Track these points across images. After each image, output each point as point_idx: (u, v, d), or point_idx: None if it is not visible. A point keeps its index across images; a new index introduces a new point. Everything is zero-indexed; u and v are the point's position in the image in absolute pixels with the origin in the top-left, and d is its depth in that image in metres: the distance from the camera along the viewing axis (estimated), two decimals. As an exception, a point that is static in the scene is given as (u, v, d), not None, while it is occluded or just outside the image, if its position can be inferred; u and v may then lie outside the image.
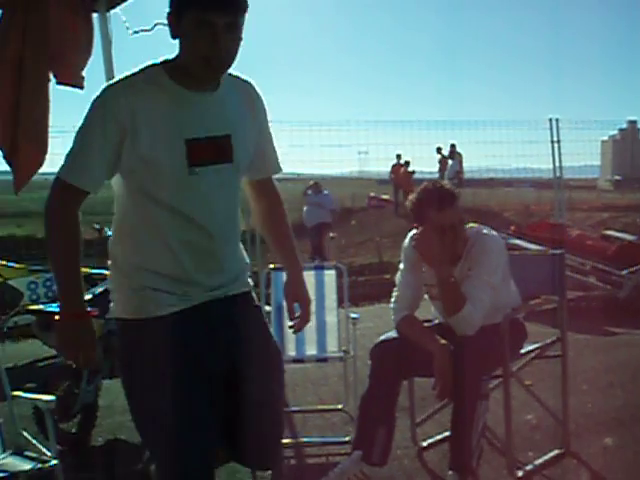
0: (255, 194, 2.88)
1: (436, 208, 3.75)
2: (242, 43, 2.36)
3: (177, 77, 2.40)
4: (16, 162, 4.02)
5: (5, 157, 4.04)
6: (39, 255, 11.85)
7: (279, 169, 2.86)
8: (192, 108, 2.42)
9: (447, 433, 4.16)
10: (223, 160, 2.48)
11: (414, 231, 3.99)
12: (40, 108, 3.98)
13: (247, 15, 2.35)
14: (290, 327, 3.03)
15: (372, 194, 26.06)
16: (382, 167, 25.48)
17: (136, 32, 4.05)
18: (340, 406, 5.35)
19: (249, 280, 2.82)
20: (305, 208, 15.15)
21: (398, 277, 4.10)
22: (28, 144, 3.99)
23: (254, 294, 2.85)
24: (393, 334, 4.03)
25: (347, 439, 4.71)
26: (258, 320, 2.86)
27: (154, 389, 2.50)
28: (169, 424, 2.45)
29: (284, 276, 5.34)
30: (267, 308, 5.81)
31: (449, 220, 3.78)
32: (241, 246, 2.78)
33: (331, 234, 14.70)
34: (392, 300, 4.07)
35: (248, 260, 2.83)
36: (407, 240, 4.05)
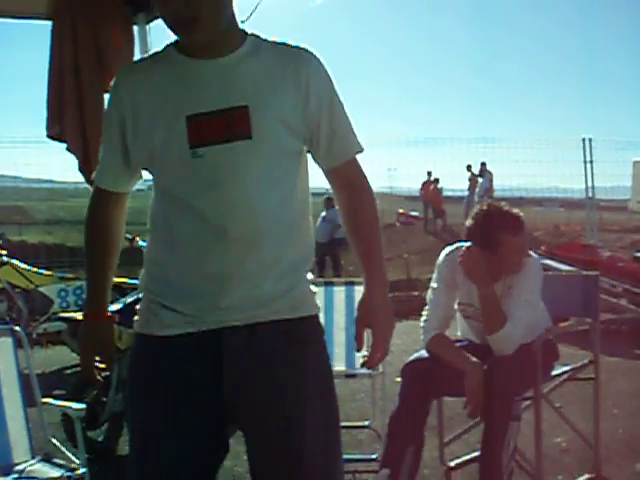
0: (334, 187, 2.29)
1: (510, 233, 3.75)
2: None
3: (184, 47, 2.05)
4: (88, 175, 4.11)
5: (79, 168, 4.17)
6: (70, 263, 12.01)
7: (359, 148, 2.21)
8: (198, 79, 2.01)
9: (475, 454, 4.11)
10: (237, 137, 1.96)
11: (449, 248, 3.96)
12: (101, 123, 4.06)
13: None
14: (362, 364, 2.29)
15: (401, 210, 26.02)
16: (412, 184, 25.46)
17: None
18: (367, 423, 5.31)
19: (309, 308, 2.18)
20: (319, 224, 14.98)
21: (429, 295, 4.05)
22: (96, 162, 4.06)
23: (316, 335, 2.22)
24: (424, 353, 3.99)
25: (374, 457, 4.67)
26: (292, 371, 2.09)
27: (132, 416, 2.29)
28: (135, 464, 2.26)
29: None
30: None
31: (520, 245, 3.79)
32: (302, 264, 2.18)
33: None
34: (422, 319, 4.03)
35: (314, 288, 2.22)
36: (441, 257, 4.01)
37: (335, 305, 5.36)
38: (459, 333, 4.22)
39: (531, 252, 4.02)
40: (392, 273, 14.78)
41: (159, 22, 4.15)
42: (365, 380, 5.36)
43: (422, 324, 4.01)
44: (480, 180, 22.68)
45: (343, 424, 5.49)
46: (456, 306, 4.05)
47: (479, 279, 3.78)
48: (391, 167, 21.59)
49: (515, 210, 3.88)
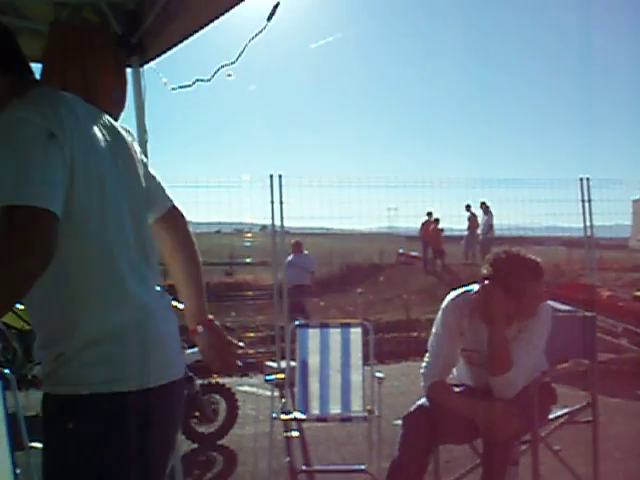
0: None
1: (533, 280, 3.71)
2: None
3: None
4: None
5: None
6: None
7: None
8: None
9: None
10: None
11: (454, 293, 3.91)
12: None
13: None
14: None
15: (401, 250, 25.98)
16: (411, 224, 25.45)
17: (174, 89, 4.10)
18: (363, 466, 5.23)
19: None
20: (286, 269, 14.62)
21: (431, 342, 3.96)
22: None
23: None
24: (424, 402, 3.90)
25: (370, 502, 4.59)
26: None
27: None
28: None
29: (310, 332, 5.42)
30: (292, 364, 5.76)
31: (540, 291, 3.76)
32: None
33: (359, 290, 14.55)
34: (423, 365, 3.94)
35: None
36: (446, 302, 3.92)
37: (330, 347, 5.32)
38: (454, 377, 4.14)
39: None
40: (391, 314, 14.75)
41: (153, 65, 4.21)
42: (361, 423, 5.27)
43: (422, 370, 3.92)
44: (481, 217, 22.65)
45: (340, 468, 5.47)
46: (459, 351, 3.98)
47: (495, 321, 3.72)
48: (391, 207, 21.56)
49: (532, 256, 3.85)
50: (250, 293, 16.59)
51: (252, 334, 11.77)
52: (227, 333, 2.36)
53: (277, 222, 9.53)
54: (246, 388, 8.62)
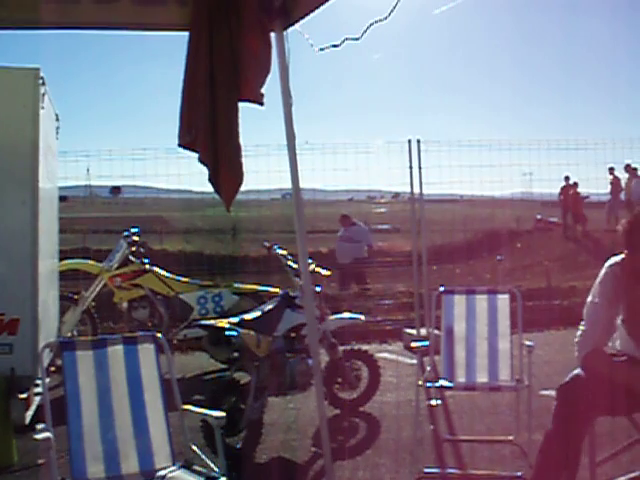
0: None
1: None
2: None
3: None
4: (218, 184, 4.18)
5: (209, 178, 4.19)
6: (208, 270, 12.29)
7: None
8: None
9: (632, 475, 3.83)
10: None
11: (613, 259, 3.70)
12: (234, 133, 4.13)
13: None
14: None
15: (539, 216, 25.25)
16: (546, 189, 24.57)
17: (322, 49, 4.04)
18: (511, 437, 5.08)
19: None
20: (337, 243, 14.15)
21: (587, 310, 3.74)
22: (227, 171, 4.14)
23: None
24: (579, 372, 3.68)
25: (519, 474, 4.45)
26: None
27: None
28: None
29: (455, 299, 5.29)
30: (437, 332, 5.67)
31: None
32: None
33: (498, 256, 14.18)
34: (578, 334, 3.72)
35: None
36: (604, 269, 3.72)
37: (477, 314, 5.18)
38: (617, 346, 3.90)
39: None
40: (530, 281, 14.31)
41: (296, 28, 4.16)
42: (506, 393, 5.13)
43: (577, 339, 3.71)
44: (624, 181, 21.45)
45: (485, 438, 5.35)
46: (619, 321, 3.76)
47: None
48: (526, 172, 20.84)
49: None
50: (385, 260, 16.54)
51: (390, 301, 11.70)
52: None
53: (415, 188, 9.32)
54: (385, 355, 8.59)
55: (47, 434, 3.32)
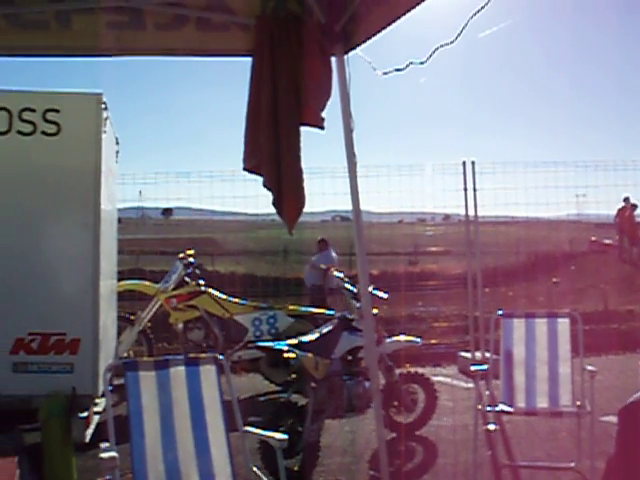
0: None
1: None
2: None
3: None
4: (281, 207, 4.25)
5: (273, 202, 4.27)
6: (262, 292, 12.33)
7: None
8: None
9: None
10: None
11: None
12: (297, 157, 4.22)
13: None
14: None
15: (593, 238, 24.85)
16: (601, 210, 24.20)
17: (385, 73, 4.06)
18: (572, 464, 4.98)
19: None
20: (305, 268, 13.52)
21: None
22: (290, 195, 4.21)
23: None
24: None
25: (582, 502, 4.37)
26: None
27: None
28: None
29: (515, 322, 5.23)
30: (488, 355, 5.60)
31: None
32: None
33: (554, 279, 13.96)
34: None
35: None
36: None
37: (536, 337, 5.11)
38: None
39: None
40: (586, 304, 14.06)
41: (357, 52, 4.19)
42: (566, 419, 5.04)
43: None
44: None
45: (546, 465, 5.25)
46: None
47: None
48: (579, 193, 20.53)
49: None
50: (435, 282, 16.42)
51: (443, 324, 11.61)
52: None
53: (469, 210, 9.25)
54: (440, 379, 8.51)
55: (112, 453, 3.38)
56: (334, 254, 12.45)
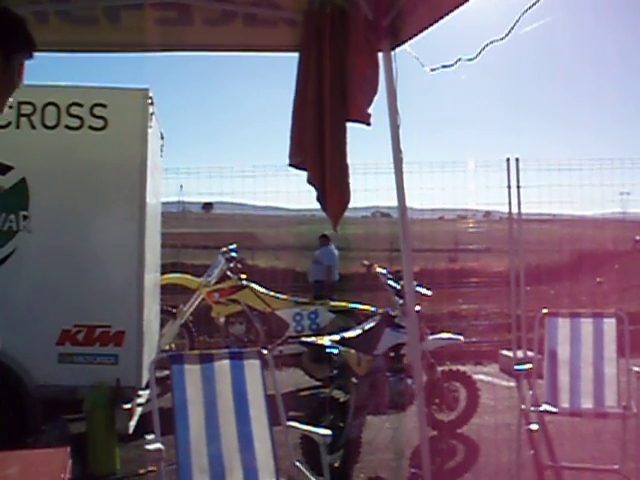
0: None
1: None
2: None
3: None
4: (326, 203, 4.24)
5: (317, 197, 4.26)
6: (302, 287, 12.35)
7: None
8: None
9: None
10: None
11: None
12: (342, 153, 4.20)
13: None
14: None
15: (638, 237, 24.48)
16: (643, 209, 23.80)
17: (433, 69, 4.03)
18: (616, 467, 4.91)
19: None
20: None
21: None
22: (335, 191, 4.19)
23: None
24: None
25: (628, 505, 4.31)
26: None
27: None
28: None
29: (559, 322, 5.17)
30: (529, 353, 5.54)
31: None
32: None
33: (598, 279, 13.76)
34: None
35: None
36: None
37: (582, 337, 5.05)
38: None
39: None
40: (630, 304, 13.85)
41: (404, 48, 4.16)
42: (610, 420, 4.96)
43: None
44: None
45: (589, 466, 5.18)
46: None
47: None
48: (624, 191, 20.18)
49: None
50: (477, 280, 16.31)
51: (484, 321, 11.53)
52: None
53: (513, 208, 9.16)
54: (481, 377, 8.44)
55: (158, 445, 3.41)
56: (335, 250, 12.44)
